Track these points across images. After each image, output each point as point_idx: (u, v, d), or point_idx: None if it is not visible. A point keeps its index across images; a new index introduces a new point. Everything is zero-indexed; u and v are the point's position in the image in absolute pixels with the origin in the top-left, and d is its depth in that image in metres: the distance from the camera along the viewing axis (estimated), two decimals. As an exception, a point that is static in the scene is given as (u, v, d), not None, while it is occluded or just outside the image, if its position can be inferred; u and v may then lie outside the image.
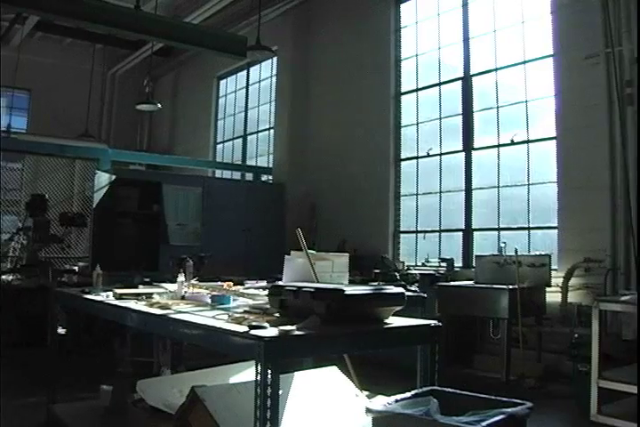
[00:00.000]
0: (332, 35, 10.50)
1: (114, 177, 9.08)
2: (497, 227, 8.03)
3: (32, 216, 9.40)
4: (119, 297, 4.04)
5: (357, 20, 10.04)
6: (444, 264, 8.12)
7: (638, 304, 3.17)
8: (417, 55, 9.38)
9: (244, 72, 13.20)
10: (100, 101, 15.48)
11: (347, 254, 4.07)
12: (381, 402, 2.68)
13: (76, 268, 9.45)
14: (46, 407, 4.97)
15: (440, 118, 8.94)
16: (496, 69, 8.26)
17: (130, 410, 4.45)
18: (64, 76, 14.48)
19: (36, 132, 13.80)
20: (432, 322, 3.15)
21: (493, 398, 2.76)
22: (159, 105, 11.51)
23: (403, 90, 9.49)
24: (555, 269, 6.83)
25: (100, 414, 4.66)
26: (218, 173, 13.09)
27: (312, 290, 2.93)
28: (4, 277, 9.31)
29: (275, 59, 11.61)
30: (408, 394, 2.77)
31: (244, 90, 13.20)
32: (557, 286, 6.67)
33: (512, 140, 7.90)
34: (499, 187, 8.03)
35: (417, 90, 9.31)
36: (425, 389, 2.91)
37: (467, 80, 8.59)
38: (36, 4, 6.64)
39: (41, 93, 14.91)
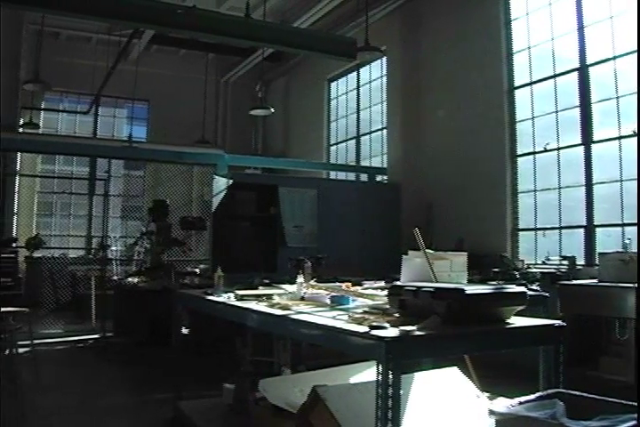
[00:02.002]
0: (441, 31, 10.37)
1: (231, 181, 9.27)
2: (621, 222, 7.70)
3: (154, 221, 9.76)
4: (240, 298, 4.13)
5: (466, 14, 9.86)
6: (565, 262, 7.85)
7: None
8: (529, 47, 9.10)
9: (354, 73, 13.23)
10: (215, 108, 15.92)
11: (465, 253, 4.00)
12: (504, 404, 2.63)
13: (197, 270, 9.75)
14: (173, 404, 5.15)
15: (557, 111, 8.64)
16: (614, 58, 7.88)
17: (252, 408, 4.54)
18: (180, 86, 14.99)
19: (156, 140, 14.38)
20: (556, 322, 3.06)
21: (624, 402, 2.64)
22: (272, 109, 11.70)
23: (516, 84, 9.25)
24: (686, 266, 6.49)
25: (224, 412, 4.79)
26: (332, 175, 13.19)
27: (432, 290, 2.90)
28: (130, 279, 9.72)
29: (384, 58, 11.59)
30: (532, 396, 2.71)
31: (355, 91, 13.23)
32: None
33: (634, 132, 7.55)
34: (621, 181, 7.68)
35: (531, 83, 9.04)
36: (550, 391, 2.83)
37: (583, 70, 8.27)
38: (153, 19, 6.91)
39: (159, 103, 15.50)
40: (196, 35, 8.36)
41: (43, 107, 15.11)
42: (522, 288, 3.18)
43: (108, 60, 11.84)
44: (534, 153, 8.89)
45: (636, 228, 7.14)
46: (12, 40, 12.51)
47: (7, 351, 6.60)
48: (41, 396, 6.12)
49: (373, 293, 4.10)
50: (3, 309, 6.77)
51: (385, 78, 11.89)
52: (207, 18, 7.13)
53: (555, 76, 8.70)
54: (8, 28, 12.22)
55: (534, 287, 6.39)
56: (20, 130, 13.00)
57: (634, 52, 7.47)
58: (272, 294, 4.13)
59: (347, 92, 13.64)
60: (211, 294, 4.47)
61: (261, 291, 4.37)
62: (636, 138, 7.51)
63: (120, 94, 14.61)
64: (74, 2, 6.43)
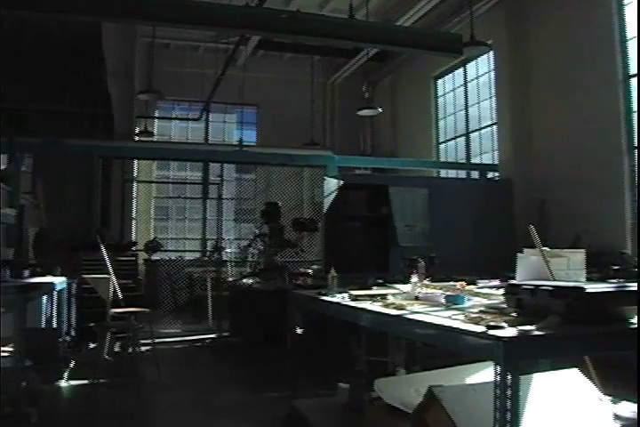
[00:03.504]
0: (548, 21, 10.06)
1: (341, 182, 9.33)
2: None
3: (267, 223, 9.94)
4: (355, 298, 4.14)
5: (574, 3, 9.55)
6: (691, 258, 7.49)
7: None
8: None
9: (461, 70, 13.07)
10: (323, 110, 16.07)
11: (583, 251, 3.88)
12: (630, 409, 2.54)
13: (310, 271, 9.85)
14: (288, 402, 5.23)
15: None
16: None
17: (367, 408, 4.55)
18: (287, 89, 15.24)
19: (266, 144, 14.65)
20: (683, 322, 2.92)
21: None
22: (379, 109, 11.69)
23: (632, 72, 8.88)
24: None
25: (339, 411, 4.83)
26: (442, 173, 13.06)
27: (551, 288, 2.83)
28: (244, 280, 9.94)
29: (491, 53, 11.38)
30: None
31: (463, 87, 13.06)
32: None
33: None
34: None
35: (648, 71, 8.67)
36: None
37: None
38: (259, 26, 7.03)
39: (267, 107, 15.79)
40: (301, 38, 8.44)
41: (156, 115, 15.71)
42: (645, 286, 3.05)
43: (216, 68, 12.14)
44: (653, 144, 8.51)
45: None
46: (126, 53, 13.02)
47: (130, 349, 6.89)
48: (161, 392, 6.37)
49: (489, 292, 4.04)
50: (126, 309, 7.09)
51: (493, 73, 11.67)
52: (311, 21, 7.19)
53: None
54: (123, 43, 12.74)
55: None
56: (136, 138, 13.51)
57: None
58: (386, 294, 4.13)
59: (454, 89, 13.48)
60: (325, 295, 4.51)
61: (375, 291, 4.37)
62: None
63: (229, 100, 14.97)
64: (185, 15, 6.64)
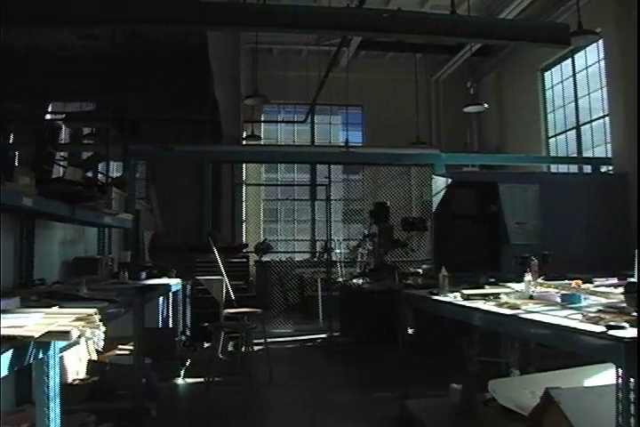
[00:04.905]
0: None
1: (449, 180, 9.23)
2: None
3: (376, 223, 9.94)
4: (467, 298, 4.10)
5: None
6: None
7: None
8: None
9: (569, 60, 12.65)
10: (427, 108, 15.92)
11: None
12: None
13: (420, 270, 9.80)
14: (399, 402, 5.23)
15: None
16: None
17: (480, 409, 4.49)
18: (390, 88, 15.20)
19: (371, 144, 14.67)
20: None
21: None
22: (485, 105, 11.49)
23: None
24: None
25: (451, 412, 4.79)
26: (553, 168, 12.71)
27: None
28: (354, 280, 9.98)
29: (600, 41, 10.96)
30: None
31: (571, 79, 12.66)
32: None
33: None
34: None
35: None
36: None
37: None
38: (361, 26, 7.06)
39: (371, 107, 15.82)
40: (403, 37, 8.44)
41: (262, 119, 15.99)
42: None
43: (319, 70, 12.24)
44: None
45: None
46: (231, 60, 13.31)
47: (243, 349, 7.04)
48: (274, 391, 6.47)
49: (607, 290, 3.91)
50: (238, 309, 7.26)
51: (603, 62, 11.25)
52: (413, 19, 7.15)
53: None
54: (228, 50, 13.03)
55: None
56: (244, 142, 13.79)
57: None
58: (499, 293, 4.07)
59: (562, 81, 13.09)
60: (436, 294, 4.49)
61: (488, 290, 4.31)
62: None
63: (333, 102, 15.07)
64: (287, 20, 6.75)
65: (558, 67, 13.17)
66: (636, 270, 3.48)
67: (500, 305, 3.65)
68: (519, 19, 10.91)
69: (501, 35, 7.43)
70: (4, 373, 2.12)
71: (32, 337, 2.21)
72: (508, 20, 10.31)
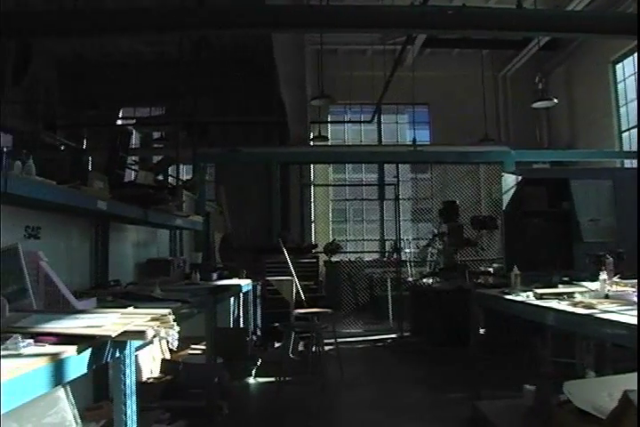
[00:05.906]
0: None
1: (520, 178, 9.08)
2: None
3: (446, 222, 9.88)
4: (540, 297, 4.04)
5: None
6: None
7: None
8: None
9: (642, 52, 12.32)
10: (495, 104, 15.71)
11: None
12: None
13: (491, 269, 9.68)
14: (471, 403, 5.17)
15: None
16: None
17: (554, 411, 4.40)
18: (457, 86, 15.07)
19: (439, 142, 14.57)
20: None
21: None
22: (555, 100, 11.26)
23: None
24: None
25: (524, 413, 4.69)
26: (626, 163, 12.37)
27: None
28: (424, 280, 9.93)
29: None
30: None
31: (645, 71, 12.31)
32: None
33: None
34: None
35: None
36: None
37: None
38: (426, 24, 7.01)
39: (438, 105, 15.68)
40: (469, 33, 8.33)
41: (329, 120, 16.04)
42: None
43: (385, 69, 12.20)
44: None
45: None
46: (297, 62, 13.39)
47: (314, 349, 7.08)
48: (345, 391, 6.48)
49: (686, 289, 3.80)
50: (309, 310, 7.30)
51: (678, 52, 10.91)
52: (479, 14, 7.06)
53: None
54: (293, 52, 13.10)
55: None
56: (311, 143, 13.86)
57: None
58: (573, 293, 3.99)
59: (635, 73, 12.72)
60: (508, 294, 4.44)
61: (561, 289, 4.24)
62: None
63: (400, 100, 15.01)
64: (353, 20, 6.77)
65: (630, 58, 12.80)
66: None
67: (575, 305, 3.58)
68: (588, 10, 10.67)
69: (570, 27, 7.27)
70: (84, 371, 2.18)
71: (109, 336, 2.26)
72: (577, 11, 10.10)
